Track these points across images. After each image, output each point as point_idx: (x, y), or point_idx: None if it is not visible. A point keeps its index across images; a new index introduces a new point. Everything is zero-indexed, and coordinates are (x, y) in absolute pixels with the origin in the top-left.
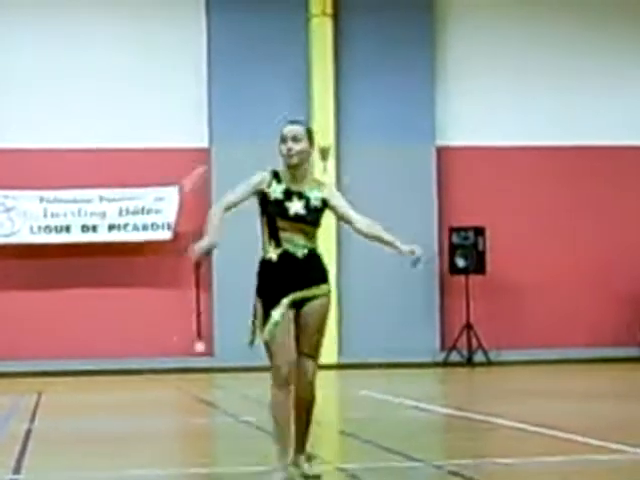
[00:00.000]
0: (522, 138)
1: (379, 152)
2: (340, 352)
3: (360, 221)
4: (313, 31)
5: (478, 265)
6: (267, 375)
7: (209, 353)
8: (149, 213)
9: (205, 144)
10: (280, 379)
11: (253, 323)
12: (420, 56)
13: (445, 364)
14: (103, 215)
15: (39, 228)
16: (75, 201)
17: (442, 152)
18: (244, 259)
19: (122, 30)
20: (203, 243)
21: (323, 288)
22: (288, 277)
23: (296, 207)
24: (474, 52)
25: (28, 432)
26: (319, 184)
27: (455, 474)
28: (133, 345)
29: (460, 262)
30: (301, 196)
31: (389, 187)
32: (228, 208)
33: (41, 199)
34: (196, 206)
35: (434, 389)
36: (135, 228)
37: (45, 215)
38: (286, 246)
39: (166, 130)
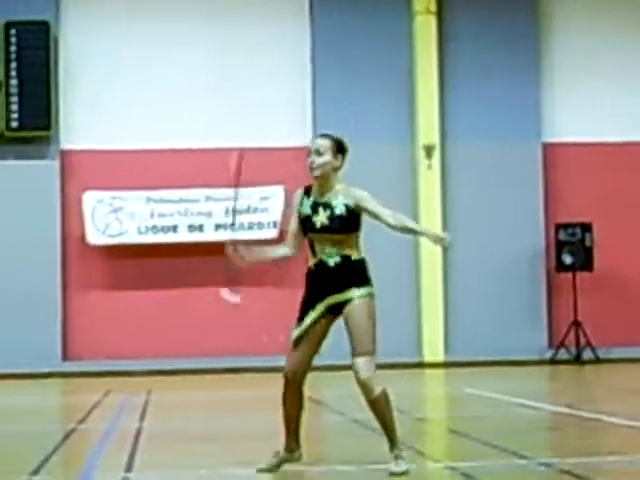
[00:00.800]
0: (628, 134)
1: (484, 149)
2: (446, 350)
3: (390, 217)
4: (417, 29)
5: (585, 261)
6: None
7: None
8: (255, 212)
9: (309, 143)
10: (285, 378)
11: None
12: (525, 51)
13: (553, 362)
14: (209, 215)
15: (146, 228)
16: (181, 201)
17: (548, 148)
18: None
19: (228, 31)
20: (264, 254)
21: (357, 291)
22: (322, 284)
23: (321, 219)
24: (580, 47)
25: (139, 430)
26: (346, 190)
27: (566, 472)
28: (241, 343)
29: (567, 259)
30: (326, 206)
31: (495, 184)
32: (294, 245)
33: (148, 199)
34: None
35: (542, 387)
36: (241, 227)
37: (152, 215)
38: (320, 256)
39: (270, 129)
